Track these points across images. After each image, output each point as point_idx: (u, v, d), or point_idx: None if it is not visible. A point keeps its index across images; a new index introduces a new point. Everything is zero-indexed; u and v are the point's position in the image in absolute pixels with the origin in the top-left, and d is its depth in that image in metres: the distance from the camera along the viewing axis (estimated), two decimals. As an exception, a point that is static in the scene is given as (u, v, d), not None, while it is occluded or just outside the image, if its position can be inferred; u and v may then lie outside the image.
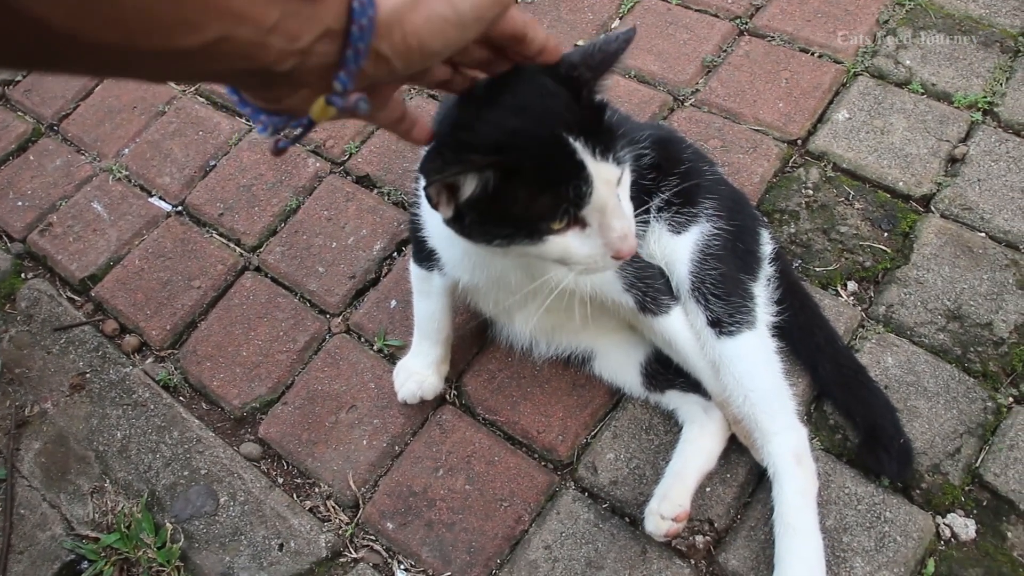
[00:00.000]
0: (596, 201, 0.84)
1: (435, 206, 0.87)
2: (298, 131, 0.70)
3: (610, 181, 0.85)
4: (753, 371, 1.18)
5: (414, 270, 1.32)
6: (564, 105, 0.83)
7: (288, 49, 0.58)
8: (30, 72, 0.54)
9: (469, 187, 0.83)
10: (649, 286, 1.20)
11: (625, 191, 0.92)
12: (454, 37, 0.68)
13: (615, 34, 0.87)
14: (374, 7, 0.61)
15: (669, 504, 1.16)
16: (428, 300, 1.32)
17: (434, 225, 1.15)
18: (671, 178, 1.25)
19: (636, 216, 1.20)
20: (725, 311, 1.18)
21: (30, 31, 0.47)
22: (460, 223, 0.89)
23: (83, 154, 1.90)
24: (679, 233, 1.23)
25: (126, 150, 1.88)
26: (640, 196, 1.23)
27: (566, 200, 0.84)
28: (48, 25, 0.46)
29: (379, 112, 0.77)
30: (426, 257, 1.23)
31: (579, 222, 0.87)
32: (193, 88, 1.97)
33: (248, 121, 1.87)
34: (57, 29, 0.47)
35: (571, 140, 0.81)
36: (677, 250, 1.22)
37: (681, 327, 1.21)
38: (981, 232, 1.41)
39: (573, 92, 0.84)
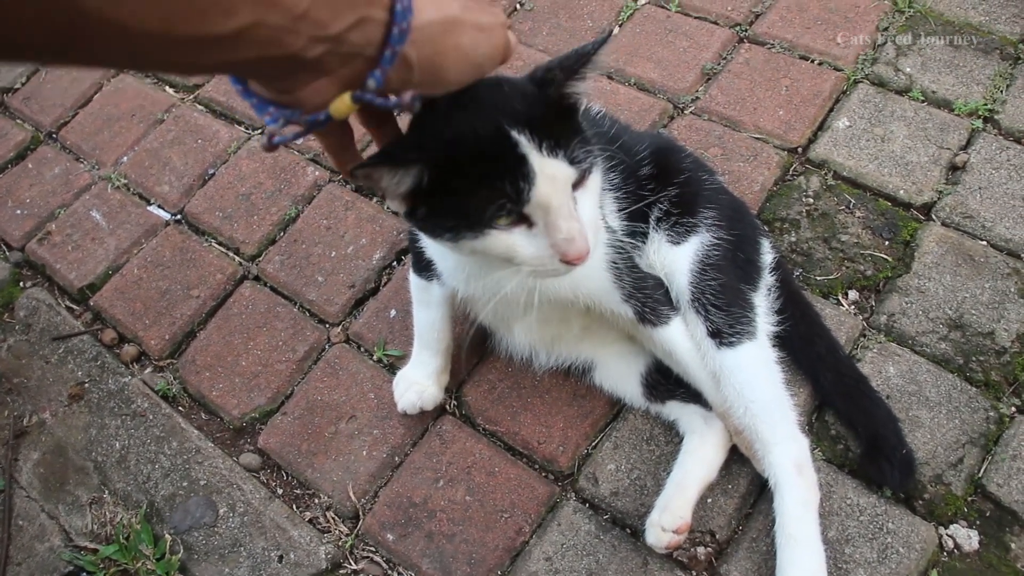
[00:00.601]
0: (539, 198, 0.82)
1: (381, 197, 0.86)
2: (302, 128, 0.71)
3: (557, 178, 0.82)
4: (754, 382, 1.17)
5: (414, 280, 1.32)
6: (520, 100, 0.82)
7: (317, 35, 0.59)
8: (60, 65, 0.55)
9: (392, 181, 0.81)
10: (648, 296, 1.20)
11: (588, 195, 0.89)
12: (467, 76, 0.72)
13: (594, 39, 0.86)
14: (412, 12, 0.62)
15: (670, 516, 1.16)
16: (428, 310, 1.32)
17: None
18: (670, 188, 1.25)
19: (631, 225, 1.21)
20: (725, 322, 1.18)
21: (69, 18, 0.47)
22: (414, 216, 0.88)
23: (82, 162, 1.90)
24: (678, 243, 1.22)
25: (125, 158, 1.88)
26: (639, 206, 1.23)
27: (503, 195, 0.81)
28: (87, 12, 0.47)
29: (332, 135, 0.78)
30: (425, 267, 1.23)
31: (525, 220, 0.85)
32: (192, 96, 1.97)
33: (247, 129, 1.86)
34: (97, 16, 0.47)
35: (514, 134, 0.80)
36: (676, 260, 1.22)
37: (681, 338, 1.20)
38: (982, 240, 1.41)
39: (542, 91, 0.84)
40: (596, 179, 0.91)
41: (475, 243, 0.86)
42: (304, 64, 0.61)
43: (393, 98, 0.68)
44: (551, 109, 0.84)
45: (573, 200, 0.86)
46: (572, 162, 0.84)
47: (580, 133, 0.86)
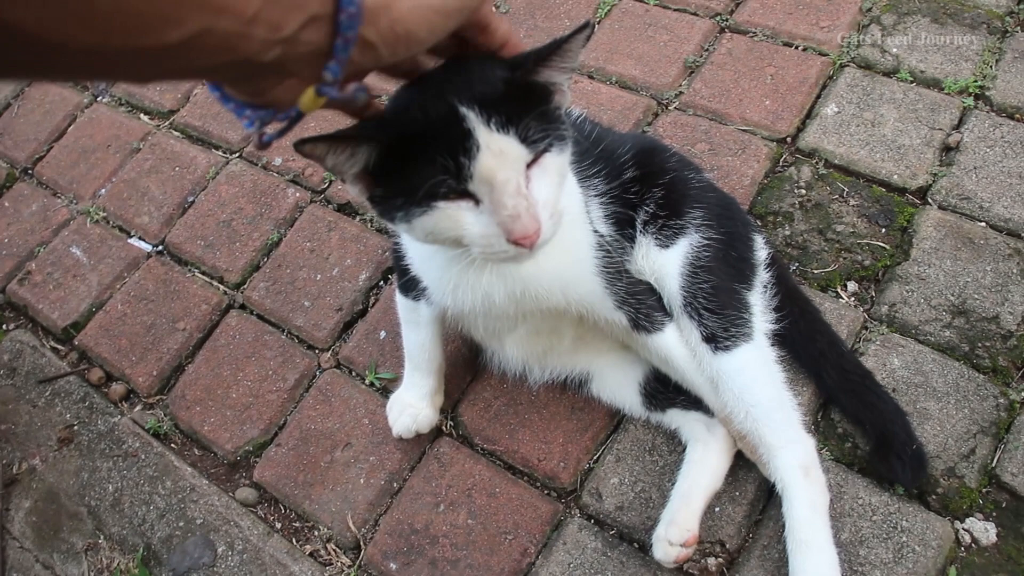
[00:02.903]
0: (481, 173, 0.79)
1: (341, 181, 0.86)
2: (285, 124, 0.69)
3: (505, 154, 0.79)
4: (753, 385, 1.13)
5: (401, 301, 1.28)
6: (479, 79, 0.79)
7: (271, 39, 0.57)
8: (12, 79, 0.55)
9: (337, 160, 0.79)
10: (641, 303, 1.16)
11: (546, 175, 0.85)
12: (439, 25, 0.68)
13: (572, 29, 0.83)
14: None
15: (677, 529, 1.12)
16: (417, 330, 1.28)
17: (415, 249, 1.12)
18: (655, 189, 1.21)
19: (618, 230, 1.18)
20: (720, 325, 1.14)
21: (3, 38, 0.45)
22: (374, 201, 0.86)
23: (59, 197, 1.86)
24: (667, 247, 1.19)
25: (103, 191, 1.84)
26: (624, 210, 1.20)
27: (443, 169, 0.79)
28: (21, 30, 0.45)
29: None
30: (412, 286, 1.20)
31: (471, 196, 0.82)
32: (167, 123, 1.93)
33: (225, 153, 1.83)
34: (31, 34, 0.46)
35: (463, 109, 0.77)
36: (666, 265, 1.18)
37: (676, 344, 1.17)
38: (981, 222, 1.37)
39: (510, 74, 0.80)
40: (557, 160, 0.86)
41: (424, 220, 0.83)
42: (263, 67, 0.59)
43: (343, 93, 0.66)
44: (513, 90, 0.80)
45: (526, 179, 0.82)
46: (524, 140, 0.80)
47: (538, 111, 0.82)
